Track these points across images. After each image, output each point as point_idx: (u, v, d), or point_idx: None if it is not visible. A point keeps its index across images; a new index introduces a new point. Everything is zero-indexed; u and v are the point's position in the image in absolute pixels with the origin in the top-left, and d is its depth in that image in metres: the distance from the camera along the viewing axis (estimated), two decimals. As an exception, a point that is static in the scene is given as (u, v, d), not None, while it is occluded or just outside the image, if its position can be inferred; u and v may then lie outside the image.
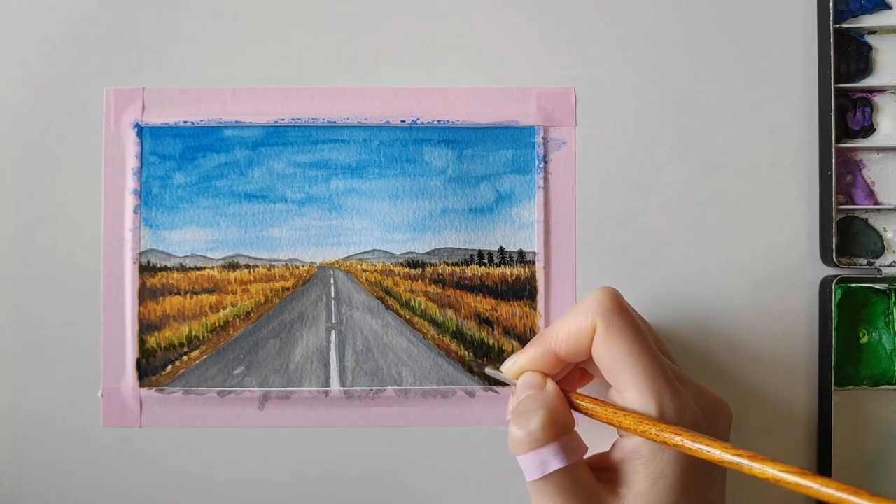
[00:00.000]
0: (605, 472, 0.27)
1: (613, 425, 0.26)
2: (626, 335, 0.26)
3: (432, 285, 0.35)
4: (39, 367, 0.35)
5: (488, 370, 0.31)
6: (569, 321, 0.27)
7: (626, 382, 0.26)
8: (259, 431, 0.35)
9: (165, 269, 0.35)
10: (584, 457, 0.27)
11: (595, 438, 0.29)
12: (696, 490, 0.26)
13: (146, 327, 0.35)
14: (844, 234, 0.35)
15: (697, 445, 0.24)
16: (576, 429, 0.28)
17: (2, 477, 0.35)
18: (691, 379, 0.28)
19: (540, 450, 0.25)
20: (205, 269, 0.35)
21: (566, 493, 0.26)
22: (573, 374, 0.31)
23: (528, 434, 0.26)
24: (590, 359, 0.28)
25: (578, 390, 0.30)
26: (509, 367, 0.29)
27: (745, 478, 0.35)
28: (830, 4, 0.34)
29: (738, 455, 0.23)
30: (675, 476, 0.25)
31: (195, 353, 0.35)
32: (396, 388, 0.35)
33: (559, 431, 0.26)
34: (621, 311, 0.27)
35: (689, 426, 0.25)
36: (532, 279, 0.35)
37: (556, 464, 0.25)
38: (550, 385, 0.28)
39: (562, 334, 0.27)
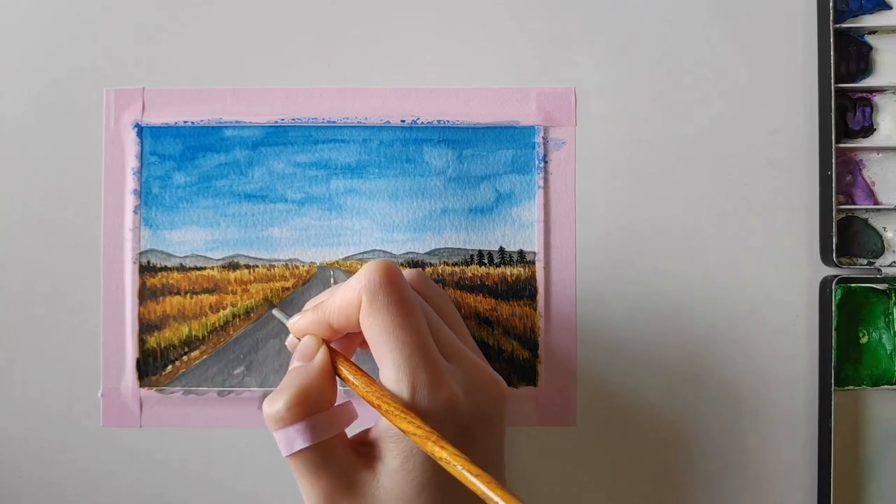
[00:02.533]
0: (366, 446, 0.27)
1: (367, 401, 0.26)
2: (387, 311, 0.26)
3: (432, 285, 0.35)
4: (40, 367, 0.35)
5: (275, 311, 0.31)
6: (342, 293, 0.27)
7: (383, 358, 0.26)
8: (259, 431, 0.35)
9: (165, 269, 0.35)
10: (358, 430, 0.28)
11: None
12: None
13: (146, 327, 0.35)
14: (844, 234, 0.35)
15: (438, 451, 0.24)
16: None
17: (2, 476, 0.35)
18: (471, 356, 0.28)
19: (286, 429, 0.26)
20: (205, 269, 0.35)
21: (315, 469, 0.26)
22: None
23: (275, 413, 0.26)
24: None
25: None
26: (293, 324, 0.29)
27: (747, 477, 0.35)
28: (830, 4, 0.34)
29: (472, 473, 0.23)
30: (424, 455, 0.26)
31: (195, 353, 0.35)
32: (396, 388, 0.35)
33: (308, 411, 0.26)
34: (388, 286, 0.26)
35: (444, 403, 0.26)
36: (532, 279, 0.35)
37: (300, 443, 0.26)
38: (319, 357, 0.28)
39: (335, 305, 0.27)
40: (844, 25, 0.35)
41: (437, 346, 0.27)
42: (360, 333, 0.27)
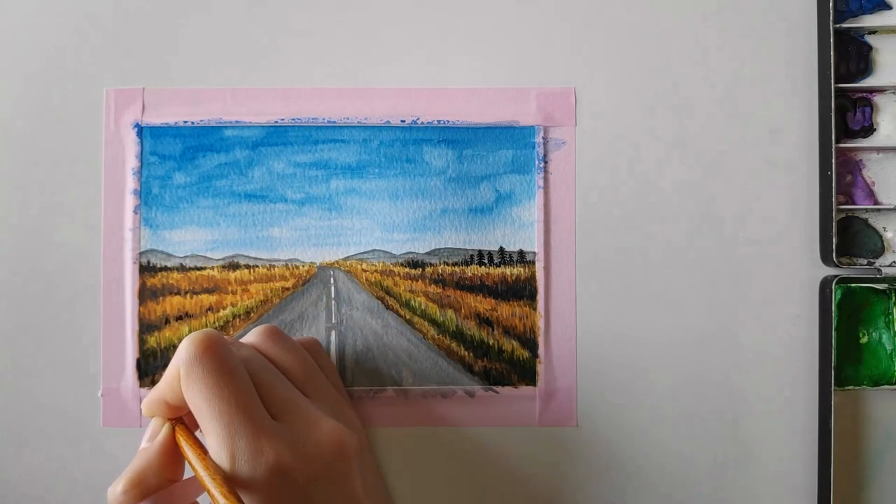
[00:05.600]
0: None
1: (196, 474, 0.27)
2: (202, 382, 0.26)
3: (432, 285, 0.35)
4: (40, 367, 0.35)
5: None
6: (168, 369, 0.27)
7: (205, 430, 0.26)
8: (259, 431, 0.35)
9: (165, 269, 0.35)
10: None
11: None
12: None
13: (146, 327, 0.35)
14: (844, 234, 0.35)
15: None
16: None
17: (2, 476, 0.35)
18: (307, 413, 0.28)
19: None
20: (205, 269, 0.35)
21: None
22: None
23: (115, 498, 0.27)
24: None
25: None
26: (143, 406, 0.29)
27: (747, 477, 0.35)
28: (830, 4, 0.34)
29: None
30: None
31: (195, 353, 0.35)
32: (396, 388, 0.35)
33: (145, 492, 0.27)
34: (202, 357, 0.26)
35: (267, 469, 0.25)
36: (532, 279, 0.35)
37: None
38: (160, 436, 0.28)
39: (164, 382, 0.27)
40: (844, 25, 0.35)
41: (269, 405, 0.27)
42: None
